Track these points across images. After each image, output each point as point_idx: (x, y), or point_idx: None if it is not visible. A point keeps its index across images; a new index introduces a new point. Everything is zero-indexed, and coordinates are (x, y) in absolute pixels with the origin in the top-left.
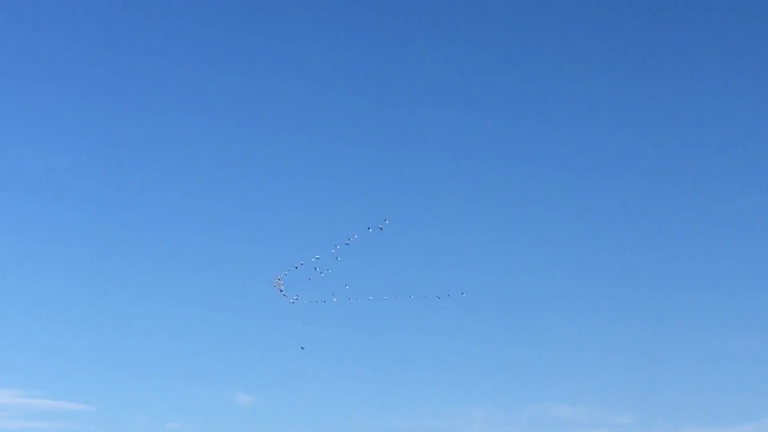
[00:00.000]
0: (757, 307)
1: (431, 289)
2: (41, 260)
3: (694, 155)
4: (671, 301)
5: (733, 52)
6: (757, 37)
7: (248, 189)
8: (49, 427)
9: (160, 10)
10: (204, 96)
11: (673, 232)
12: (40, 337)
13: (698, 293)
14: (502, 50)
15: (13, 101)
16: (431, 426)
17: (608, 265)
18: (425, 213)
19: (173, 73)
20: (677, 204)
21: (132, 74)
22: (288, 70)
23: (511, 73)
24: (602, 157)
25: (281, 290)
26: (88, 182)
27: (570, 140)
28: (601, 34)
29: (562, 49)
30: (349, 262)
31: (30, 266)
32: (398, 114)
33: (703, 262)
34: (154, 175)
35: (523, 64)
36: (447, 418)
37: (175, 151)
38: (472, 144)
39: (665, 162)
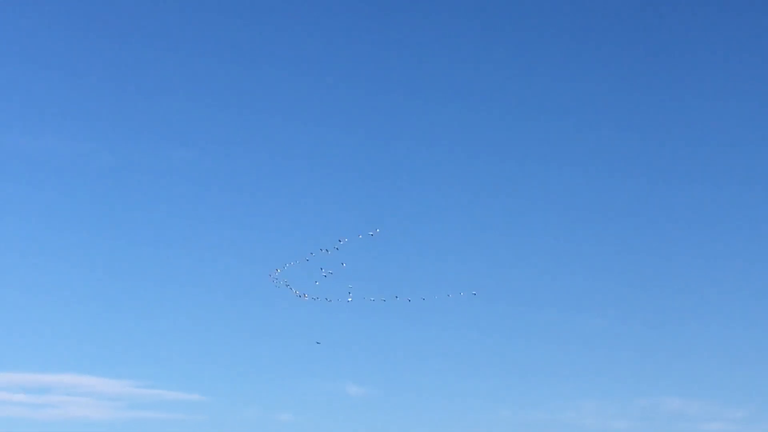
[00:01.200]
0: None
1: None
2: (154, 257)
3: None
4: None
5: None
6: None
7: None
8: (162, 417)
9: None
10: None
11: None
12: (155, 329)
13: None
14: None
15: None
16: (543, 419)
17: (724, 261)
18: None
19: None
20: None
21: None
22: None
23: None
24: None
25: (289, 287)
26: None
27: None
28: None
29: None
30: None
31: (147, 262)
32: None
33: None
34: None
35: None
36: (559, 411)
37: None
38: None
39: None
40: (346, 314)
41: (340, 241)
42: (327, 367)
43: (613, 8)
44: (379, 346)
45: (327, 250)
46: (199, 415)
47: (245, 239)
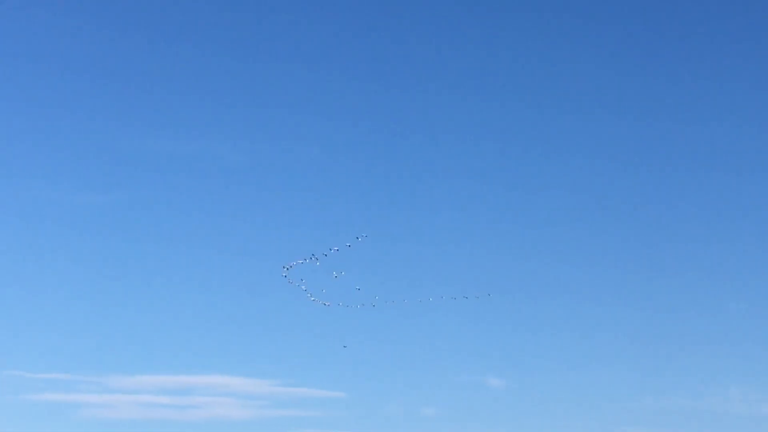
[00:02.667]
0: None
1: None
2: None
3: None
4: None
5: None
6: None
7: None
8: (305, 415)
9: None
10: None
11: None
12: (294, 328)
13: None
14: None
15: None
16: (688, 405)
17: None
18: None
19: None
20: None
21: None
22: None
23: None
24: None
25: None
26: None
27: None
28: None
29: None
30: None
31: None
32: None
33: None
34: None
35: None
36: (704, 397)
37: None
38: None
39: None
40: (486, 309)
41: (331, 249)
42: (468, 360)
43: None
44: (519, 338)
45: (323, 255)
46: (342, 412)
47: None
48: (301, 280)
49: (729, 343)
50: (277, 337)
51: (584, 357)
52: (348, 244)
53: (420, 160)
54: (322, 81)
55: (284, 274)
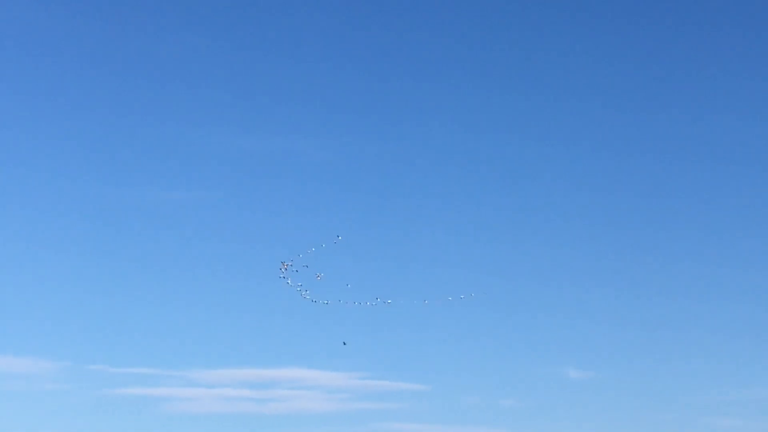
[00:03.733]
0: None
1: None
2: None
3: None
4: None
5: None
6: None
7: None
8: (386, 407)
9: None
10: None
11: None
12: (374, 322)
13: None
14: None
15: None
16: None
17: None
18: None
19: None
20: None
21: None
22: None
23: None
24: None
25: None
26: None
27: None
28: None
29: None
30: None
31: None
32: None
33: None
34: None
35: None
36: None
37: None
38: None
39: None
40: (566, 301)
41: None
42: (548, 352)
43: None
44: (600, 329)
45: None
46: (423, 403)
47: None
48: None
49: None
50: (359, 330)
51: (666, 348)
52: (323, 245)
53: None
54: (408, 79)
55: (281, 275)
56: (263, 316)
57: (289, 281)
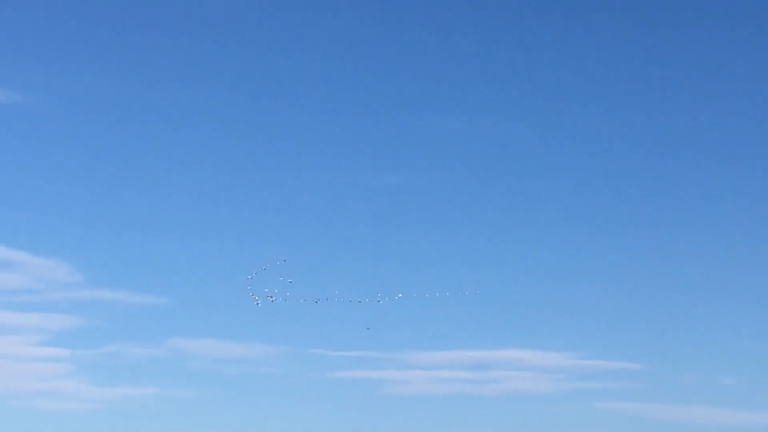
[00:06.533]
0: None
1: None
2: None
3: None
4: None
5: None
6: None
7: None
8: (602, 387)
9: None
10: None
11: None
12: (588, 301)
13: None
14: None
15: None
16: None
17: None
18: None
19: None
20: None
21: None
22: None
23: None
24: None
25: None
26: None
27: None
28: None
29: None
30: None
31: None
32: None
33: None
34: None
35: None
36: None
37: None
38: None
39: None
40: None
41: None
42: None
43: None
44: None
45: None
46: (639, 383)
47: None
48: None
49: None
50: (571, 309)
51: None
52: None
53: None
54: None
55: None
56: (477, 297)
57: None
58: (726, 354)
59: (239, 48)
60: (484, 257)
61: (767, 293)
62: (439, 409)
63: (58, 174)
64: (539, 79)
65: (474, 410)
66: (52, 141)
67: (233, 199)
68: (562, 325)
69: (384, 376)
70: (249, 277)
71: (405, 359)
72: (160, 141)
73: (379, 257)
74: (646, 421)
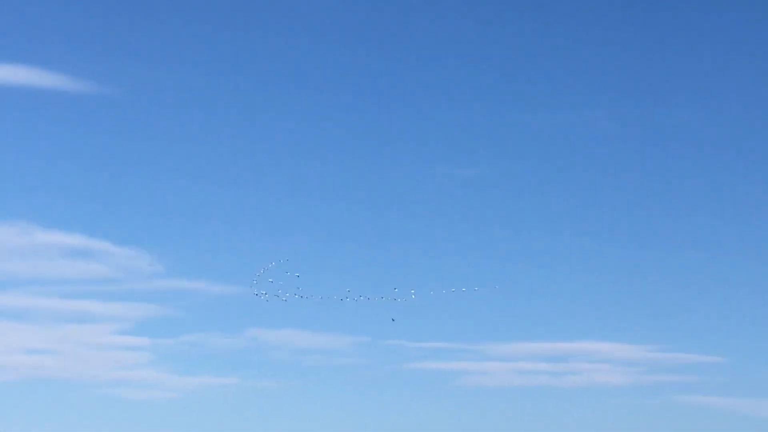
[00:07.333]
0: None
1: None
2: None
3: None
4: None
5: None
6: None
7: None
8: (682, 380)
9: None
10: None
11: None
12: (670, 294)
13: None
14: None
15: None
16: None
17: None
18: None
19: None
20: None
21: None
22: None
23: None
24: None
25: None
26: None
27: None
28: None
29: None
30: None
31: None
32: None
33: None
34: None
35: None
36: None
37: None
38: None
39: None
40: None
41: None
42: None
43: None
44: None
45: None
46: (721, 376)
47: None
48: None
49: None
50: (653, 302)
51: None
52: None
53: None
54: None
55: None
56: (556, 289)
57: None
58: None
59: (331, 46)
60: (564, 251)
61: None
62: (516, 400)
63: (140, 166)
64: (620, 73)
65: (551, 402)
66: (135, 134)
67: (319, 192)
68: (641, 318)
69: (462, 367)
70: (258, 272)
71: (483, 351)
72: (241, 135)
73: (463, 250)
74: (726, 415)
